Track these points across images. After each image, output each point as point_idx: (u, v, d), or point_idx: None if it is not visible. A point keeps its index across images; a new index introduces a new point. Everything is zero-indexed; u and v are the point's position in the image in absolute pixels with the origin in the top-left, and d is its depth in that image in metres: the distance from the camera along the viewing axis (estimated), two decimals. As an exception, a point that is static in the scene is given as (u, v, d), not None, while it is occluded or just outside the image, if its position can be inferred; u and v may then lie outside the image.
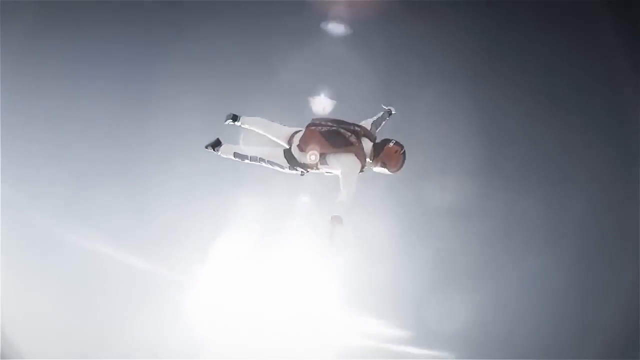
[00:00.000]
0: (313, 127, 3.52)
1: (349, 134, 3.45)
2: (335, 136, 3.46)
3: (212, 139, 3.90)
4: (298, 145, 3.52)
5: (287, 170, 3.69)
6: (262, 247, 6.77)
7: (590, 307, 7.02)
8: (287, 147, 3.70)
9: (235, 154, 3.82)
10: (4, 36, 6.10)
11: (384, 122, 3.82)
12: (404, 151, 3.44)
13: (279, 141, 3.78)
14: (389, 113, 3.87)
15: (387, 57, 6.93)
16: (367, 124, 3.71)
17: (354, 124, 3.55)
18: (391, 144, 3.43)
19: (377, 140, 3.56)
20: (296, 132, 3.68)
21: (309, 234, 6.54)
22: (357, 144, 3.43)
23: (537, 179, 7.30)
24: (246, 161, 3.82)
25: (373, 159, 3.47)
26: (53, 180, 6.46)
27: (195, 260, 6.71)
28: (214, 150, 3.87)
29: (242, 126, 3.96)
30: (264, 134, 3.90)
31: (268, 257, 6.80)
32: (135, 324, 6.33)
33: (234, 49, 6.96)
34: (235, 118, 3.98)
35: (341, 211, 3.17)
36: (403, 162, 3.47)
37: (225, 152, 3.87)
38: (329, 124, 3.52)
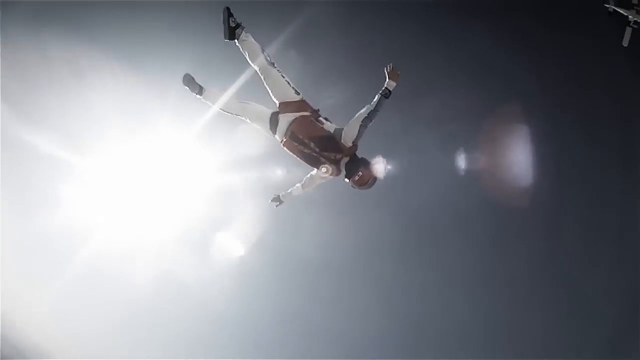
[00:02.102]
0: (296, 144, 3.55)
1: (329, 163, 3.55)
2: (315, 161, 3.60)
3: (193, 82, 3.74)
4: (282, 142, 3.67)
5: (267, 135, 3.76)
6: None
7: (590, 306, 7.03)
8: (276, 104, 3.69)
9: (221, 110, 3.78)
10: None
11: (381, 110, 3.60)
12: (373, 179, 3.60)
13: (270, 93, 3.72)
14: (386, 95, 3.59)
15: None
16: (360, 116, 3.57)
17: (335, 152, 3.53)
18: (357, 177, 3.54)
19: (357, 153, 3.61)
20: (288, 105, 3.61)
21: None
22: (334, 170, 3.60)
23: (536, 179, 7.29)
24: (229, 115, 3.82)
25: (345, 176, 3.60)
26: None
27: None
28: (194, 93, 3.74)
29: (238, 44, 3.69)
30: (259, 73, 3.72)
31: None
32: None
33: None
34: (232, 34, 3.65)
35: (285, 197, 4.04)
36: (371, 186, 3.63)
37: (209, 99, 3.75)
38: (312, 145, 3.52)
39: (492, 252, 7.02)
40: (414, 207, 6.90)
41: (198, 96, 3.73)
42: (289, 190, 4.01)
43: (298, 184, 3.93)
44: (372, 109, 3.53)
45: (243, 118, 3.74)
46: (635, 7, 9.05)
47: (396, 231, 6.86)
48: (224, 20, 3.53)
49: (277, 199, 4.06)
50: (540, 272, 6.89)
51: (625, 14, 9.16)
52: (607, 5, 9.03)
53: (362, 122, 3.50)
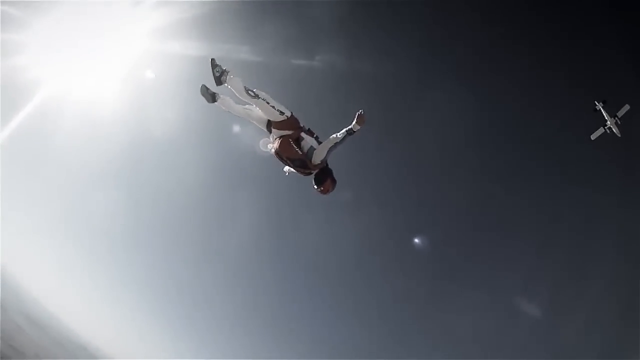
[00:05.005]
0: (279, 158, 4.65)
1: (301, 174, 4.66)
2: (292, 168, 4.79)
3: (207, 93, 4.34)
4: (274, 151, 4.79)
5: (263, 130, 4.67)
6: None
7: (590, 306, 6.48)
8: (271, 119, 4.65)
9: (229, 112, 4.53)
10: None
11: (344, 142, 4.58)
12: (327, 192, 4.65)
13: (262, 114, 4.59)
14: (351, 133, 4.56)
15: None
16: (328, 143, 4.62)
17: (306, 169, 4.59)
18: (318, 190, 4.68)
19: (324, 166, 4.66)
20: (276, 124, 4.52)
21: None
22: (305, 175, 4.65)
23: (535, 180, 7.15)
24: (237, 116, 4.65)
25: (313, 182, 4.66)
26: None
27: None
28: (211, 99, 4.37)
29: (227, 85, 4.37)
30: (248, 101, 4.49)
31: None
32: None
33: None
34: (220, 82, 4.22)
35: (287, 171, 4.98)
36: (329, 193, 4.66)
37: (224, 105, 4.44)
38: (289, 162, 4.65)
39: (492, 253, 6.60)
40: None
41: (213, 103, 4.43)
42: (286, 168, 5.07)
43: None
44: (338, 141, 4.65)
45: (248, 120, 4.61)
46: (616, 117, 10.67)
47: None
48: (212, 72, 4.27)
49: (286, 171, 5.08)
50: (539, 273, 6.43)
51: (606, 119, 10.75)
52: (597, 103, 10.79)
53: (329, 149, 4.60)
